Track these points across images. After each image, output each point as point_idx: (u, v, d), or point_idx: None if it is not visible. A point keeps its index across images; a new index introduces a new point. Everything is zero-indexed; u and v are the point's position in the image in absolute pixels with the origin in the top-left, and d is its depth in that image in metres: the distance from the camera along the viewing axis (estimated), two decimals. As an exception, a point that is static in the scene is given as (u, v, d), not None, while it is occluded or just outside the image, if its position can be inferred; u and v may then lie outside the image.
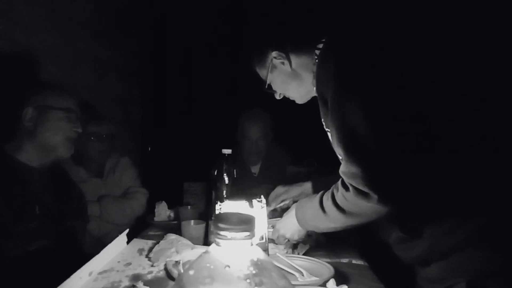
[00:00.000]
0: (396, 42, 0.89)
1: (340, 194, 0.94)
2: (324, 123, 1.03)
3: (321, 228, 1.08)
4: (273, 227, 1.33)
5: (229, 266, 0.39)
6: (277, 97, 1.24)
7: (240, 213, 0.42)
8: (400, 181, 0.84)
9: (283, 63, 1.10)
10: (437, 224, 0.91)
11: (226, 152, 1.35)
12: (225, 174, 1.34)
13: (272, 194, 1.55)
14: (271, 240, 1.27)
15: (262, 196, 1.09)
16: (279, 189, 1.51)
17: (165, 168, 3.35)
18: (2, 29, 1.58)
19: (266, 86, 1.20)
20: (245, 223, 0.40)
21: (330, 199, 0.99)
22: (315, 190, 1.38)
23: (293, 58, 1.09)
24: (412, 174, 0.84)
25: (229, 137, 2.25)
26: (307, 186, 1.45)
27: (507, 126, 0.90)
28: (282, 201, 1.49)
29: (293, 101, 1.23)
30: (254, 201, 1.06)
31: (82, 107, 1.46)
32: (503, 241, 0.87)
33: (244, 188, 1.40)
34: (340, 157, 1.02)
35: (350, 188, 0.89)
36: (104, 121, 1.96)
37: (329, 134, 1.02)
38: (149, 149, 3.34)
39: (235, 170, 1.35)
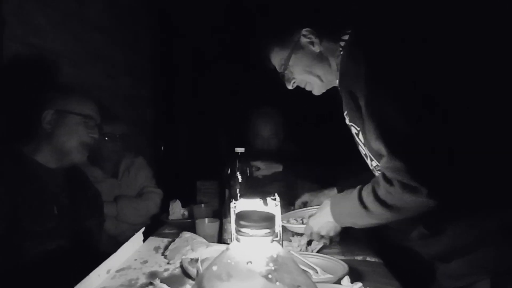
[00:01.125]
0: (425, 37, 0.90)
1: (383, 189, 0.91)
2: (347, 117, 1.00)
3: (360, 224, 1.05)
4: (302, 221, 1.34)
5: (251, 262, 0.40)
6: (290, 86, 1.15)
7: (261, 211, 0.43)
8: (448, 174, 0.83)
9: (312, 43, 1.03)
10: (461, 219, 0.90)
11: (239, 151, 1.36)
12: (238, 173, 1.35)
13: (298, 202, 1.55)
14: (285, 237, 1.28)
15: (276, 194, 1.10)
16: (306, 197, 1.51)
17: (177, 167, 3.38)
18: (20, 33, 1.61)
19: (283, 70, 1.11)
20: (266, 220, 0.41)
21: (371, 194, 0.95)
22: None
23: (323, 41, 1.03)
24: (457, 168, 0.83)
25: (242, 136, 2.26)
26: (333, 192, 1.44)
27: None
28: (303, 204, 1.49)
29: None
30: (268, 199, 1.07)
31: (99, 111, 1.48)
32: None
33: (257, 186, 1.41)
34: (364, 153, 1.00)
35: (395, 182, 0.86)
36: (118, 121, 1.99)
37: (352, 128, 1.00)
38: (162, 148, 3.37)
39: (248, 168, 1.36)
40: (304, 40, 1.04)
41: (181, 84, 3.61)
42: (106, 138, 1.89)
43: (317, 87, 1.12)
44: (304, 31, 1.02)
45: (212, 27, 3.55)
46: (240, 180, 1.35)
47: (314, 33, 1.02)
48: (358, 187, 1.03)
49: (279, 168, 1.92)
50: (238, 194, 1.33)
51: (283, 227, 1.23)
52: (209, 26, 3.53)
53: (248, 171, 1.36)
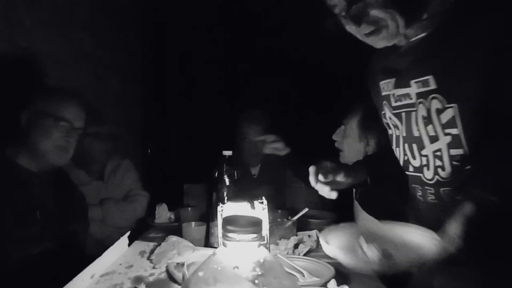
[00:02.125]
0: None
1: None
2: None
3: None
4: None
5: (238, 267, 0.40)
6: (358, 25, 0.81)
7: (248, 216, 0.43)
8: None
9: None
10: None
11: (227, 154, 1.36)
12: (226, 176, 1.34)
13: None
14: (272, 241, 1.28)
15: (263, 198, 1.10)
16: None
17: (165, 170, 3.35)
18: (3, 31, 1.58)
19: None
20: (253, 225, 0.41)
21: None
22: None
23: None
24: None
25: (229, 139, 2.25)
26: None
27: None
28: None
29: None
30: (256, 202, 1.07)
31: (78, 116, 1.42)
32: None
33: (244, 190, 1.41)
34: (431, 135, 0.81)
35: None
36: (106, 122, 1.96)
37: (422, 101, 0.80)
38: (149, 151, 3.34)
39: (236, 172, 1.36)
40: None
41: (171, 86, 3.59)
42: (94, 138, 1.86)
43: (385, 38, 0.82)
44: None
45: (204, 28, 3.54)
46: (227, 183, 1.34)
47: None
48: None
49: (285, 150, 1.88)
50: (226, 198, 1.33)
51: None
52: (201, 26, 3.52)
53: (235, 174, 1.36)
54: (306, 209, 1.52)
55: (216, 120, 3.31)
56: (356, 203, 1.55)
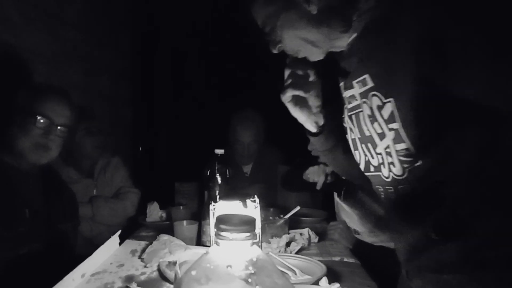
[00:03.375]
0: None
1: None
2: (358, 85, 0.80)
3: None
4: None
5: (231, 266, 0.40)
6: (275, 50, 0.90)
7: (241, 214, 0.43)
8: None
9: (308, 1, 0.79)
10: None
11: (219, 152, 1.35)
12: (218, 174, 1.34)
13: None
14: (264, 239, 1.28)
15: (255, 196, 1.10)
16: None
17: (156, 168, 3.34)
18: None
19: (268, 29, 0.86)
20: (246, 224, 0.41)
21: None
22: None
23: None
24: None
25: (222, 137, 2.25)
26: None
27: None
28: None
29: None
30: (248, 201, 1.07)
31: (61, 113, 1.38)
32: None
33: (236, 188, 1.41)
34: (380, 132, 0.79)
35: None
36: (95, 119, 1.95)
37: (364, 101, 0.80)
38: (140, 149, 3.32)
39: (228, 170, 1.36)
40: None
41: (161, 84, 3.57)
42: (84, 134, 1.84)
43: (313, 54, 0.88)
44: None
45: (194, 28, 3.53)
46: (219, 181, 1.34)
47: None
48: None
49: None
50: (218, 196, 1.32)
51: None
52: (191, 26, 3.51)
53: (227, 172, 1.36)
54: (298, 208, 1.53)
55: (208, 118, 3.30)
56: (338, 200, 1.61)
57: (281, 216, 1.48)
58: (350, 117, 0.89)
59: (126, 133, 3.11)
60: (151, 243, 1.23)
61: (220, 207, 1.04)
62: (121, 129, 2.97)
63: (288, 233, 1.38)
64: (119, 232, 1.26)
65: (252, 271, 0.41)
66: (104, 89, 2.67)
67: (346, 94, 0.87)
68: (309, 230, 1.43)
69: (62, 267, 0.94)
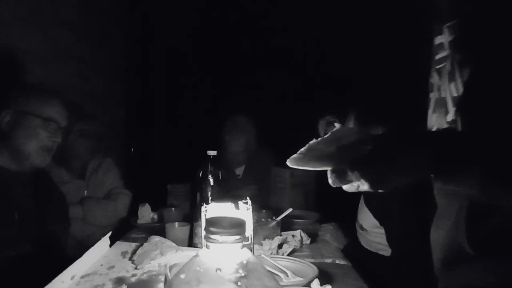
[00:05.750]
0: None
1: None
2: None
3: None
4: None
5: (220, 270, 0.40)
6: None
7: (231, 217, 0.42)
8: None
9: None
10: None
11: (211, 154, 1.35)
12: (210, 176, 1.33)
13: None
14: (256, 241, 1.28)
15: (247, 198, 1.09)
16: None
17: (148, 170, 3.31)
18: None
19: None
20: (237, 226, 0.41)
21: None
22: None
23: None
24: None
25: (214, 139, 2.25)
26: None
27: None
28: None
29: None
30: (240, 202, 1.07)
31: (64, 115, 1.39)
32: None
33: (229, 190, 1.40)
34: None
35: None
36: (88, 119, 1.93)
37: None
38: (132, 150, 3.29)
39: (220, 172, 1.35)
40: None
41: (155, 85, 3.56)
42: (77, 135, 1.83)
43: None
44: None
45: (189, 28, 3.52)
46: (211, 183, 1.34)
47: None
48: None
49: None
50: (210, 198, 1.32)
51: None
52: (186, 27, 3.50)
53: (219, 174, 1.36)
54: (290, 209, 1.53)
55: (201, 120, 3.29)
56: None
57: (274, 218, 1.48)
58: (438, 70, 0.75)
59: (118, 134, 3.09)
60: (142, 245, 1.22)
61: (212, 209, 1.04)
62: (113, 129, 2.95)
63: (280, 235, 1.38)
64: (109, 233, 1.25)
65: (242, 274, 0.41)
66: (98, 89, 2.65)
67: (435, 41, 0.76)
68: (301, 231, 1.43)
69: (52, 269, 0.93)
